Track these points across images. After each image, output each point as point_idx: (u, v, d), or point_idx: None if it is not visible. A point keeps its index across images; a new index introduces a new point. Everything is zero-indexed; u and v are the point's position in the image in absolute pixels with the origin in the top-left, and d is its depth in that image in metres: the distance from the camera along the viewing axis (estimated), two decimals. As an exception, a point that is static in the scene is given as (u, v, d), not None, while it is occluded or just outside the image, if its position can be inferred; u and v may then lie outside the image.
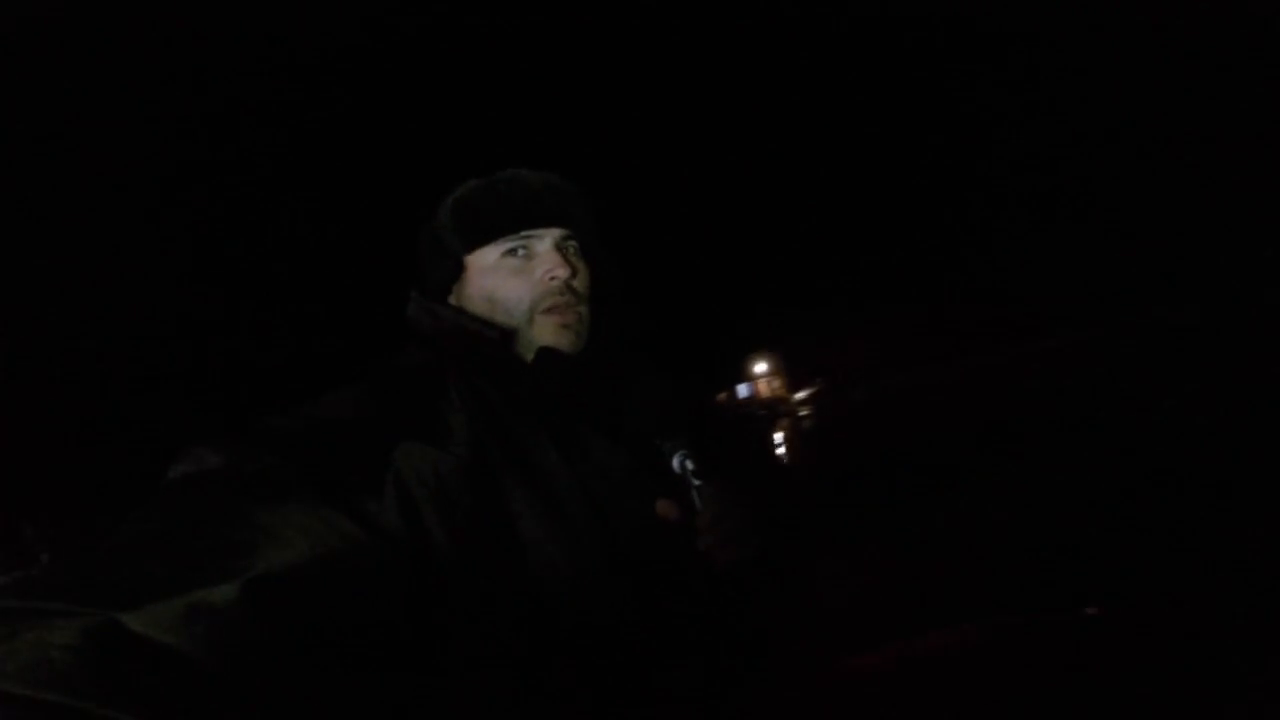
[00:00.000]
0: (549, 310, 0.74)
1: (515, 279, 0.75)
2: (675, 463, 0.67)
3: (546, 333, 0.74)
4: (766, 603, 0.70)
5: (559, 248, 0.76)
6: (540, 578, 0.62)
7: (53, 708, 0.31)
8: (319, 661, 0.44)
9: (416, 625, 0.54)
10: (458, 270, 0.78)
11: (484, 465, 0.63)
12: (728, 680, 0.65)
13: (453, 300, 0.79)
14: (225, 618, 0.39)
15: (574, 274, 0.75)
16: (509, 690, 0.57)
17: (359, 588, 0.50)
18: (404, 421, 0.62)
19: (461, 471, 0.61)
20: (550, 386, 0.71)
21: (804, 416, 6.21)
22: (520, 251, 0.75)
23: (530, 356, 0.74)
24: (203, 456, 0.55)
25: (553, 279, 0.74)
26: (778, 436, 6.05)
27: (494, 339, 0.73)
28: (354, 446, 0.59)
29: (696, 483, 0.65)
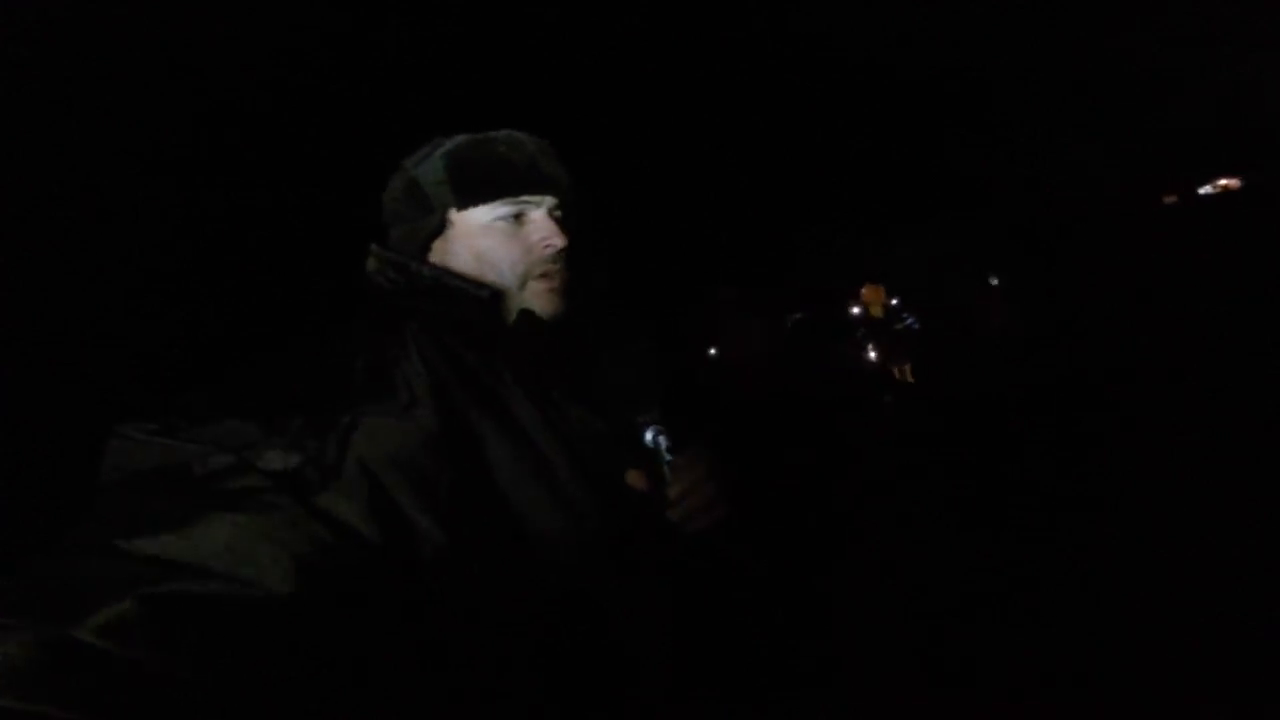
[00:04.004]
0: (541, 276, 0.74)
1: (510, 242, 0.74)
2: (648, 436, 0.68)
3: (537, 297, 0.74)
4: (737, 577, 0.72)
5: (552, 216, 0.75)
6: (535, 548, 0.59)
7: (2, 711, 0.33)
8: (290, 668, 0.43)
9: (404, 621, 0.50)
10: (442, 226, 0.75)
11: (460, 434, 0.60)
12: (701, 652, 0.67)
13: (434, 258, 0.76)
14: (170, 628, 0.39)
15: (567, 244, 0.74)
16: (510, 673, 0.54)
17: (326, 591, 0.46)
18: (360, 394, 0.56)
19: (433, 445, 0.57)
20: (531, 350, 0.69)
21: (909, 328, 5.32)
22: (516, 216, 0.74)
23: (511, 320, 0.73)
24: (136, 450, 0.50)
25: (548, 247, 0.74)
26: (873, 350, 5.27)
27: (483, 299, 0.70)
28: (306, 429, 0.52)
29: (668, 457, 0.67)
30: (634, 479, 0.65)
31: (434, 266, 0.74)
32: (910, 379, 4.87)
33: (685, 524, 0.65)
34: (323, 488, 0.50)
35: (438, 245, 0.76)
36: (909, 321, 5.38)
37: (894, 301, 5.84)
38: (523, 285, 0.73)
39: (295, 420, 0.52)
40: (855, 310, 5.81)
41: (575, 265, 0.78)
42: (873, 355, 5.07)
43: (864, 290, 5.87)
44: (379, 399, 0.56)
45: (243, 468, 0.49)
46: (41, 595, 0.40)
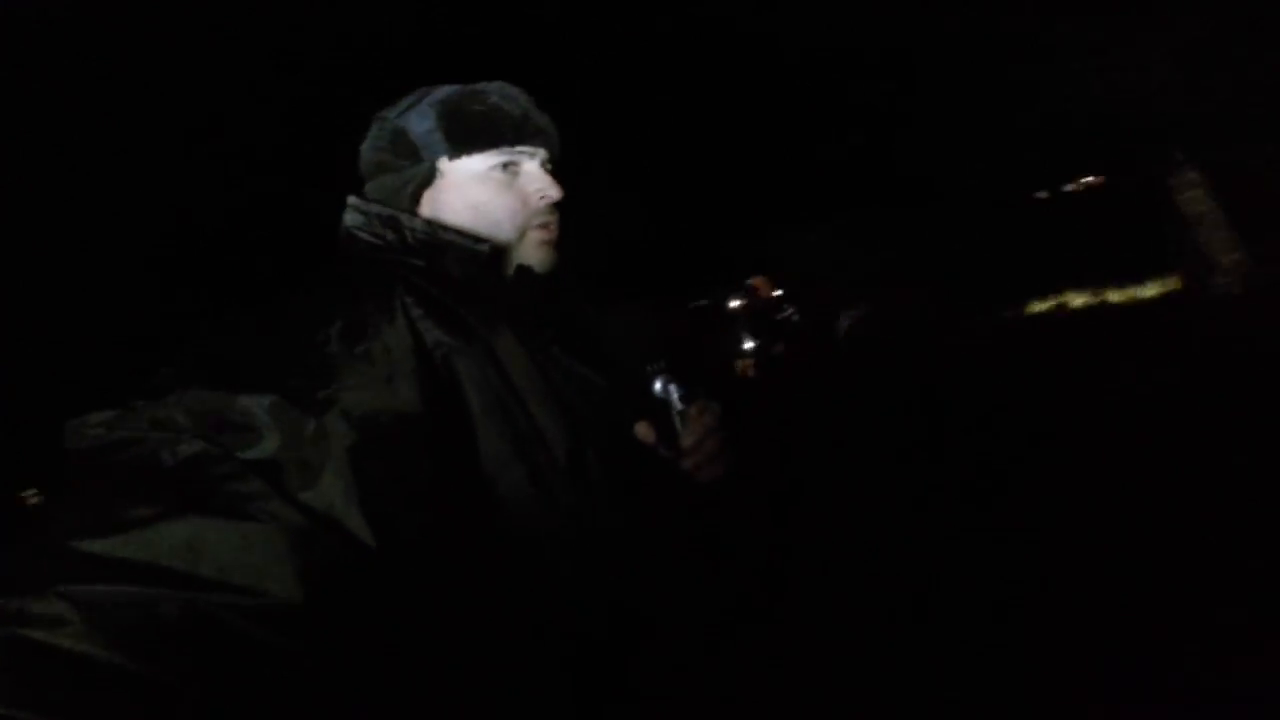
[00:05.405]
0: (539, 228, 0.73)
1: (506, 194, 0.72)
2: (657, 385, 0.67)
3: (533, 249, 0.73)
4: (749, 522, 0.72)
5: (544, 168, 0.75)
6: (535, 536, 0.56)
7: None
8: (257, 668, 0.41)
9: (386, 619, 0.48)
10: (431, 176, 0.72)
11: (446, 409, 0.56)
12: (711, 604, 0.65)
13: (423, 210, 0.73)
14: (127, 629, 0.38)
15: (562, 196, 0.74)
16: (512, 671, 0.51)
17: (302, 588, 0.43)
18: (337, 367, 0.53)
19: (414, 426, 0.53)
20: (531, 306, 0.67)
21: (791, 318, 5.40)
22: (510, 167, 0.73)
23: (509, 275, 0.71)
24: (98, 442, 0.46)
25: (543, 199, 0.73)
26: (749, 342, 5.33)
27: (482, 254, 0.68)
28: (281, 408, 0.48)
29: (679, 407, 0.65)
30: (642, 432, 0.65)
31: (427, 220, 0.70)
32: (750, 374, 4.94)
33: (698, 474, 0.65)
34: (298, 476, 0.47)
35: (427, 196, 0.73)
36: (789, 313, 5.50)
37: (777, 293, 5.96)
38: (521, 237, 0.72)
39: (269, 398, 0.49)
40: (734, 303, 5.88)
41: (567, 221, 0.77)
42: (748, 345, 5.16)
43: (752, 279, 5.95)
44: (356, 372, 0.53)
45: (214, 456, 0.45)
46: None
